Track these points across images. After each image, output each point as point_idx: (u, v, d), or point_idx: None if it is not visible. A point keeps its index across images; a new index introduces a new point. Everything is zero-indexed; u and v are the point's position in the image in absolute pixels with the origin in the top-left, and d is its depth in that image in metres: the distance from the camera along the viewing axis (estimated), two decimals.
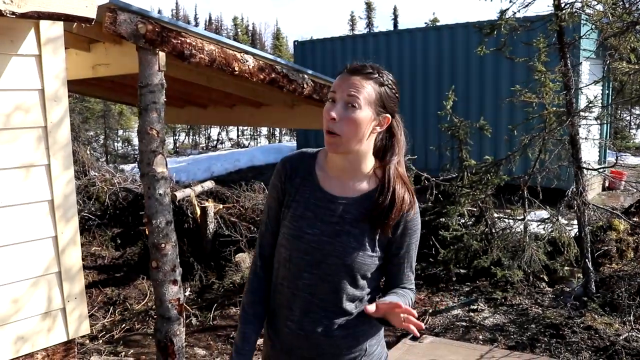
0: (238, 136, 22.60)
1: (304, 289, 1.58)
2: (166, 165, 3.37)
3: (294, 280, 1.59)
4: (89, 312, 5.31)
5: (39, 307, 2.93)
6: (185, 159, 15.79)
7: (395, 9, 44.08)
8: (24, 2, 2.25)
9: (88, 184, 8.35)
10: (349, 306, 1.58)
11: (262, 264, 1.69)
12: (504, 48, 4.62)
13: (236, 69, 3.70)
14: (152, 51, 3.17)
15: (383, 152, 1.60)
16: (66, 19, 2.40)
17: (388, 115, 1.55)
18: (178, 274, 3.45)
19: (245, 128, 21.72)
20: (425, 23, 29.91)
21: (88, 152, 11.90)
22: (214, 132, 22.04)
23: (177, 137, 21.64)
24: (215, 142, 21.64)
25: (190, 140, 21.71)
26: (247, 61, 3.77)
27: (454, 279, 5.61)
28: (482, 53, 4.67)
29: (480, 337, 4.41)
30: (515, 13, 4.46)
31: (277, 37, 37.34)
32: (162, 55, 3.21)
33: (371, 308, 1.44)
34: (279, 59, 4.09)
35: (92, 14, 2.46)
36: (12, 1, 2.23)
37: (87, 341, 4.64)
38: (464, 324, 4.70)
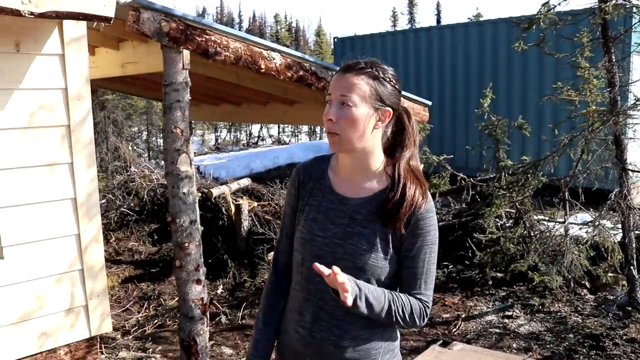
0: (279, 133, 22.68)
1: (315, 293, 1.54)
2: (190, 163, 3.35)
3: (307, 284, 1.56)
4: (124, 307, 5.43)
5: (62, 304, 2.97)
6: (226, 155, 15.92)
7: (438, 5, 43.39)
8: (42, 2, 2.26)
9: (127, 180, 8.52)
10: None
11: (276, 270, 1.71)
12: (542, 43, 4.40)
13: (262, 66, 3.64)
14: (176, 49, 3.15)
15: (394, 148, 1.55)
16: (84, 18, 2.40)
17: (388, 109, 1.50)
18: (202, 274, 3.42)
19: (286, 125, 21.80)
20: (469, 18, 29.27)
21: (130, 148, 12.17)
22: (255, 128, 22.19)
23: (219, 134, 21.89)
24: (256, 139, 21.79)
25: (232, 137, 21.92)
26: (273, 59, 3.72)
27: (489, 282, 5.41)
28: (520, 49, 4.47)
29: (514, 345, 4.23)
30: (555, 6, 4.23)
31: (318, 34, 37.32)
32: (186, 53, 3.19)
33: (324, 269, 1.34)
34: (307, 57, 4.02)
35: (110, 12, 2.46)
36: (30, 1, 2.24)
37: (119, 336, 4.71)
38: (497, 330, 4.52)
